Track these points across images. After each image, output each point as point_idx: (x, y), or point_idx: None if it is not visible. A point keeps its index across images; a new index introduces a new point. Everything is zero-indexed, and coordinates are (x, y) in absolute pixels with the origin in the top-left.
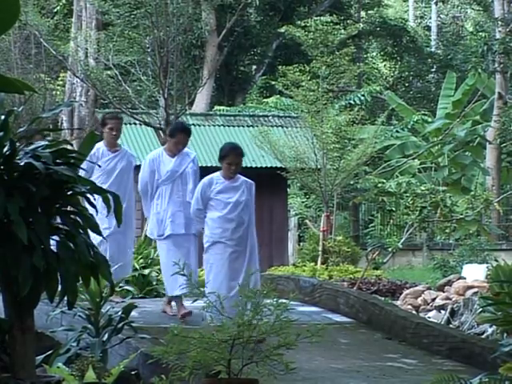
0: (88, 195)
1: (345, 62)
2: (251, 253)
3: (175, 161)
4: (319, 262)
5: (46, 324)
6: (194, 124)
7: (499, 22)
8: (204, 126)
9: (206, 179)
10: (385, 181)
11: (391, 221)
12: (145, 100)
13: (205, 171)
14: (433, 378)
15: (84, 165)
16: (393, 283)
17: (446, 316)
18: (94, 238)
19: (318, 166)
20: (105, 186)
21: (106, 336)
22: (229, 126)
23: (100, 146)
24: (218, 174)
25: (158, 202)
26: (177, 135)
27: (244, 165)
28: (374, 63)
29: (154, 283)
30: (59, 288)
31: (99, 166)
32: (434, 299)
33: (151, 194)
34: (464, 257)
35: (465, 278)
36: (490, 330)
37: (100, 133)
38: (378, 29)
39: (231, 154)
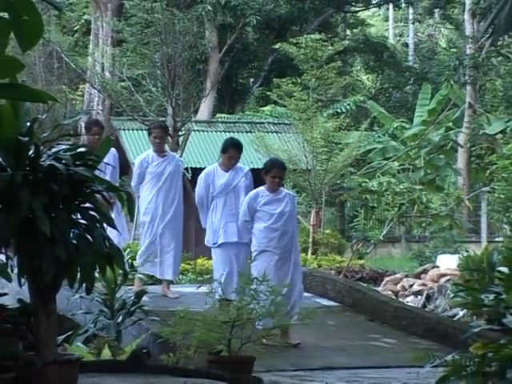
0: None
1: (332, 75)
2: (295, 259)
3: (229, 175)
4: (309, 253)
5: (66, 307)
6: (198, 130)
7: (469, 40)
8: (207, 131)
9: (252, 193)
10: (368, 180)
11: (373, 216)
12: (154, 109)
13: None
14: (410, 355)
15: (137, 170)
16: (375, 271)
17: (422, 300)
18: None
19: (309, 168)
20: (156, 188)
21: (120, 318)
22: (229, 132)
23: (150, 153)
24: (263, 187)
25: (213, 213)
26: (229, 150)
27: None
28: (358, 76)
29: None
30: (78, 276)
31: (113, 167)
32: (411, 285)
33: (207, 205)
34: (438, 248)
35: (439, 267)
36: (461, 313)
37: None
38: (362, 45)
39: (274, 168)
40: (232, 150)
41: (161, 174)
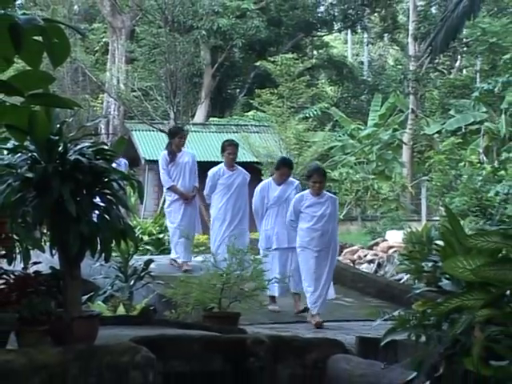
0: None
1: (302, 87)
2: (333, 256)
3: (281, 188)
4: None
5: (89, 273)
6: (195, 131)
7: (412, 58)
8: (202, 132)
9: (297, 195)
10: (331, 171)
11: None
12: (160, 114)
13: (203, 164)
14: (365, 311)
15: (209, 182)
16: None
17: (374, 267)
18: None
19: None
20: (226, 198)
21: (132, 282)
22: (220, 132)
23: (221, 167)
24: (307, 191)
25: (267, 222)
26: (281, 168)
27: None
28: (322, 87)
29: (167, 244)
30: (98, 247)
31: (170, 166)
32: (365, 255)
33: (261, 214)
34: (387, 225)
35: (387, 240)
36: (405, 278)
37: (222, 154)
38: (326, 63)
39: (315, 174)
40: (284, 168)
41: (230, 185)
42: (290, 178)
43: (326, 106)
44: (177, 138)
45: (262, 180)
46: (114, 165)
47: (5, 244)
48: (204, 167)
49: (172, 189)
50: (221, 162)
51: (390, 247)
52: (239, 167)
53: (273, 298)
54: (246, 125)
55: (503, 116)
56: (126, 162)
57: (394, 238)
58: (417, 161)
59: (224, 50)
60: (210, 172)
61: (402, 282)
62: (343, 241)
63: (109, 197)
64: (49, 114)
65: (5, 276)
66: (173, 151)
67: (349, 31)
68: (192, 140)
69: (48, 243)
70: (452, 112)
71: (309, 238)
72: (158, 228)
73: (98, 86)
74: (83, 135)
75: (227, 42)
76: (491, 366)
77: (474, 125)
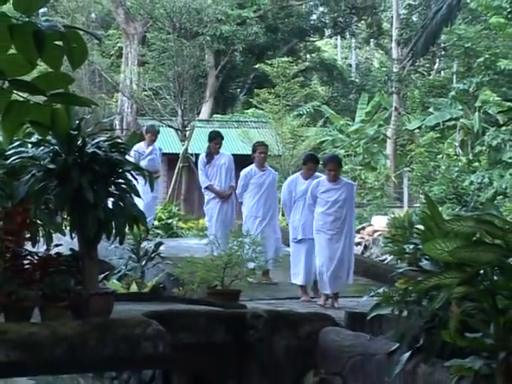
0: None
1: (296, 87)
2: (346, 240)
3: (308, 183)
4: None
5: (105, 254)
6: (200, 126)
7: (395, 61)
8: (206, 127)
9: (315, 181)
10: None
11: None
12: (168, 111)
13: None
14: (353, 289)
15: (242, 181)
16: None
17: (361, 249)
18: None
19: (279, 153)
20: (257, 196)
21: (144, 262)
22: (223, 128)
23: (252, 167)
24: (324, 177)
25: (294, 214)
26: (308, 163)
27: (232, 152)
28: (315, 87)
29: (175, 228)
30: (113, 231)
31: (207, 167)
32: None
33: (289, 206)
34: (372, 211)
35: (373, 225)
36: (389, 258)
37: (252, 157)
38: (318, 65)
39: (330, 163)
40: (310, 163)
41: (261, 184)
42: (316, 173)
43: (318, 104)
44: (213, 142)
45: None
46: (149, 149)
47: (29, 228)
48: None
49: (209, 188)
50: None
51: (376, 231)
52: (269, 167)
53: (304, 289)
54: (246, 121)
55: (477, 113)
56: (161, 148)
57: (379, 222)
58: (399, 153)
59: (226, 53)
60: (243, 172)
61: (386, 262)
62: None
63: (123, 186)
64: (68, 112)
65: (29, 257)
66: (210, 153)
67: (338, 37)
68: (197, 134)
69: (68, 227)
70: (431, 109)
71: (322, 222)
72: (166, 214)
73: (112, 86)
74: (100, 130)
75: (229, 46)
76: (466, 337)
77: (451, 121)
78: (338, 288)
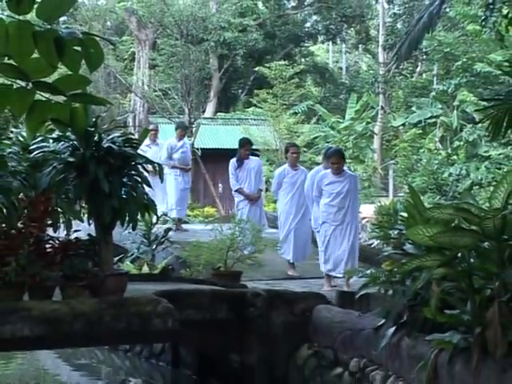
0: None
1: (292, 88)
2: (350, 230)
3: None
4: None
5: (119, 239)
6: (205, 124)
7: (381, 65)
8: (211, 125)
9: (320, 174)
10: (315, 156)
11: None
12: (176, 109)
13: (212, 151)
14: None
15: (276, 180)
16: None
17: None
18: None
19: (277, 148)
20: (290, 194)
21: (154, 246)
22: (226, 125)
23: (285, 167)
24: (329, 170)
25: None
26: (332, 157)
27: (235, 147)
28: (309, 88)
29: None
30: (127, 218)
31: (238, 171)
32: None
33: (312, 199)
34: (361, 200)
35: (361, 213)
36: (376, 243)
37: (285, 158)
38: (311, 68)
39: (333, 156)
40: (334, 156)
41: (294, 183)
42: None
43: (312, 103)
44: (243, 148)
45: None
46: (180, 143)
47: (51, 216)
48: (213, 153)
49: (238, 191)
50: (226, 148)
51: (364, 218)
52: (301, 167)
53: (328, 278)
54: (247, 119)
55: (455, 112)
56: (190, 142)
57: (367, 210)
58: (385, 148)
59: (229, 58)
60: (277, 172)
61: (373, 246)
62: None
63: (135, 177)
64: (86, 110)
65: (51, 241)
66: (240, 158)
67: (330, 42)
68: (203, 131)
69: (86, 215)
70: (414, 108)
71: (326, 212)
72: None
73: (126, 87)
74: (114, 127)
75: (231, 51)
76: (445, 314)
77: (432, 119)
78: (342, 272)
